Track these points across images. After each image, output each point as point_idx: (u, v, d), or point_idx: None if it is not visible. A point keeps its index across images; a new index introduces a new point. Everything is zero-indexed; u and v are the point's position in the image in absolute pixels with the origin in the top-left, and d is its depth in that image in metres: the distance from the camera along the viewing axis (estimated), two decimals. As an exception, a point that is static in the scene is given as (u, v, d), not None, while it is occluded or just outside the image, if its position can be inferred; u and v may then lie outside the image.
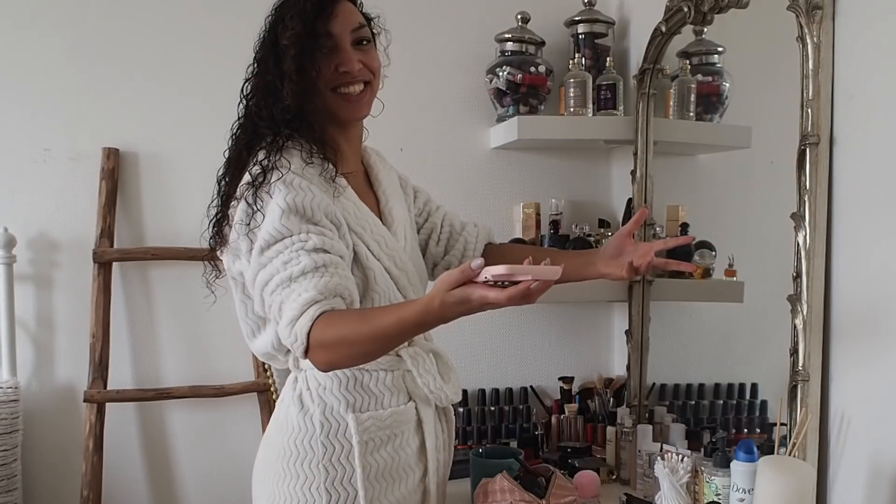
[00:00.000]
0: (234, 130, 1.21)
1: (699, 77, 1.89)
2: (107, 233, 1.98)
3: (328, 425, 1.19)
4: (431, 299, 0.97)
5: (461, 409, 2.09)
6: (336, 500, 1.17)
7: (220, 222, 1.17)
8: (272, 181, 1.11)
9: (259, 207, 1.11)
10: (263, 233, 1.10)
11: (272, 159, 1.13)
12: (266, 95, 1.16)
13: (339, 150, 1.24)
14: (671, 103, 1.94)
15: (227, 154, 1.21)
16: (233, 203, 1.15)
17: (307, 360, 1.09)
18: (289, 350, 1.23)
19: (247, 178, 1.14)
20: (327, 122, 1.22)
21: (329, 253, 1.10)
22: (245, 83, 1.21)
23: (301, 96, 1.14)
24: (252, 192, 1.11)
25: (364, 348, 1.04)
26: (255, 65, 1.20)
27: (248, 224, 1.11)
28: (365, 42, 1.22)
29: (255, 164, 1.13)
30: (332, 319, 1.04)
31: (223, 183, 1.19)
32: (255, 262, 1.11)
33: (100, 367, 1.96)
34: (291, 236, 1.09)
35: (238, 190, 1.14)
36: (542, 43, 2.08)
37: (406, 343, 1.24)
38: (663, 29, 1.83)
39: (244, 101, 1.20)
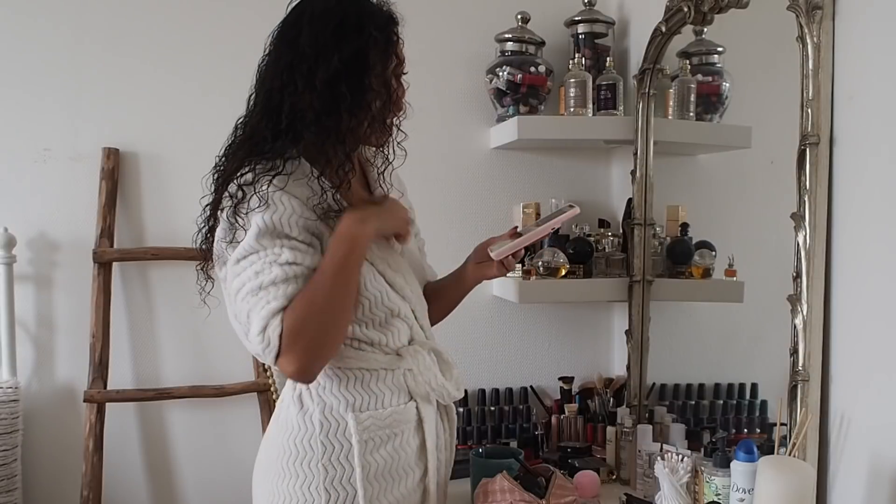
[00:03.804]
0: (238, 138, 1.20)
1: (699, 77, 1.89)
2: (107, 233, 1.98)
3: (328, 424, 1.19)
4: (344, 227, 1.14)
5: (461, 409, 2.09)
6: (335, 499, 1.17)
7: (212, 229, 1.18)
8: (250, 198, 1.11)
9: (241, 224, 1.12)
10: (240, 246, 1.12)
11: (258, 174, 1.12)
12: (316, 117, 1.13)
13: (353, 165, 1.23)
14: (671, 103, 1.94)
15: (223, 161, 1.20)
16: (219, 212, 1.16)
17: (276, 368, 1.14)
18: None
19: (227, 193, 1.13)
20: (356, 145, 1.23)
21: (301, 265, 1.12)
22: (273, 93, 1.16)
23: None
24: (232, 208, 1.12)
25: (324, 303, 1.10)
26: (301, 79, 1.13)
27: (231, 241, 1.13)
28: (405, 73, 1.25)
29: (238, 177, 1.13)
30: (290, 308, 1.09)
31: (218, 189, 1.18)
32: (231, 271, 1.14)
33: (100, 367, 1.96)
34: (266, 250, 1.11)
35: (221, 202, 1.15)
36: (542, 43, 2.08)
37: (406, 342, 1.26)
38: (663, 29, 1.83)
39: (273, 114, 1.16)
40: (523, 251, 1.48)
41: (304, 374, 1.14)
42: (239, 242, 1.12)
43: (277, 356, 1.10)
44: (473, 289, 1.45)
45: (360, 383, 1.21)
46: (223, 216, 1.14)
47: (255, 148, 1.16)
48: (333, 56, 1.12)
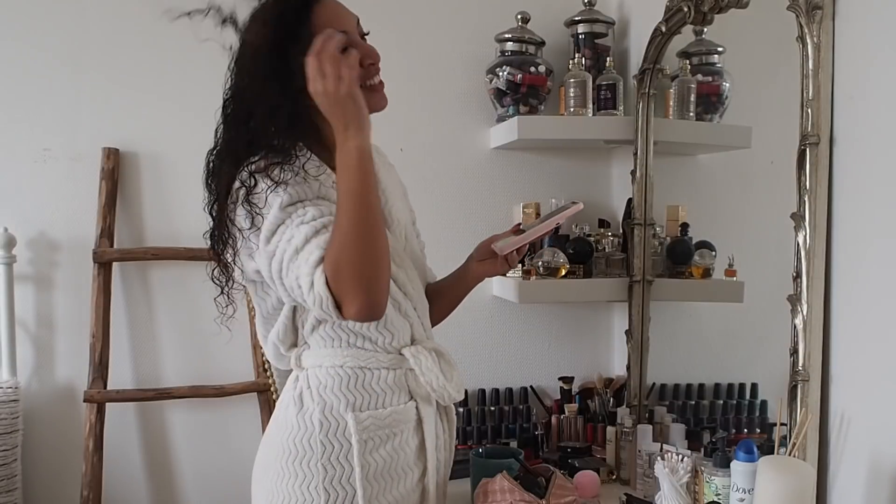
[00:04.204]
0: (222, 138, 1.19)
1: (699, 77, 1.89)
2: (107, 233, 1.98)
3: (327, 424, 1.18)
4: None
5: (461, 409, 2.09)
6: (335, 498, 1.17)
7: (222, 223, 1.16)
8: (264, 182, 1.11)
9: (259, 210, 1.11)
10: (265, 225, 1.11)
11: (270, 163, 1.12)
12: (273, 112, 1.13)
13: None
14: (671, 103, 1.94)
15: (213, 160, 1.19)
16: (229, 206, 1.15)
17: (353, 322, 1.14)
18: (292, 345, 1.24)
19: (237, 183, 1.13)
20: None
21: (327, 216, 1.10)
22: (237, 97, 1.18)
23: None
24: (246, 196, 1.11)
25: (353, 230, 1.05)
26: (254, 79, 1.15)
27: (251, 227, 1.11)
28: (366, 33, 1.24)
29: (248, 165, 1.12)
30: (326, 254, 1.06)
31: (214, 188, 1.17)
32: (265, 254, 1.11)
33: (100, 367, 1.96)
34: (291, 217, 1.10)
35: (234, 194, 1.14)
36: (542, 43, 2.08)
37: (408, 341, 1.25)
38: (663, 29, 1.83)
39: (240, 120, 1.16)
40: (526, 248, 1.49)
41: (373, 310, 1.09)
42: (260, 228, 1.11)
43: (338, 308, 1.06)
44: (474, 288, 1.45)
45: (360, 383, 1.21)
46: (239, 206, 1.12)
47: (251, 142, 1.15)
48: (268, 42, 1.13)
